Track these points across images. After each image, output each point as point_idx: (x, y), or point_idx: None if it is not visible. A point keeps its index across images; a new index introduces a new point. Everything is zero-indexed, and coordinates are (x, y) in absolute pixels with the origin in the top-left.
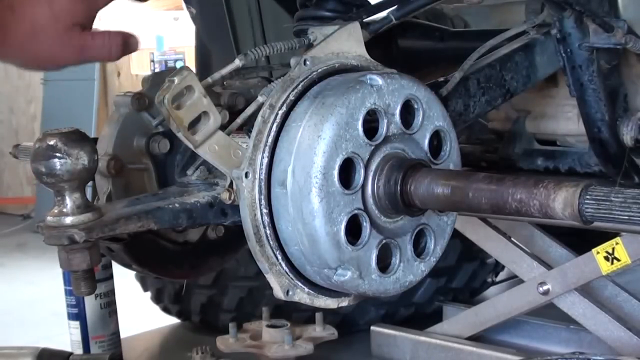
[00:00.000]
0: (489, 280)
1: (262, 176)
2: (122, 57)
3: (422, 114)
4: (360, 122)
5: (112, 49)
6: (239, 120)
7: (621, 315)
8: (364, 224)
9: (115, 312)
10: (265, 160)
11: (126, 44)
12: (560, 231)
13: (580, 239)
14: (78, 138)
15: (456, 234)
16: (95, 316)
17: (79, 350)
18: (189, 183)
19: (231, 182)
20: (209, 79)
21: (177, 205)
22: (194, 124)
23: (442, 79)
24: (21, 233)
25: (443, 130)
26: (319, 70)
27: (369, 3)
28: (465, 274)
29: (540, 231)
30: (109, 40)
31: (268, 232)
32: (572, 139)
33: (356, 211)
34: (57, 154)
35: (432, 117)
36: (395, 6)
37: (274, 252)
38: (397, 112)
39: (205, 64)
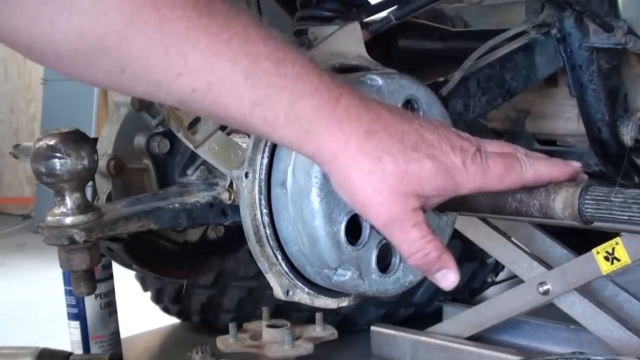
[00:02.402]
0: (489, 280)
1: (262, 176)
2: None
3: (422, 114)
4: None
5: (428, 260)
6: None
7: (621, 315)
8: (364, 223)
9: (115, 312)
10: (265, 160)
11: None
12: (560, 231)
13: (580, 239)
14: (78, 138)
15: (456, 234)
16: (95, 316)
17: (79, 350)
18: (189, 183)
19: (231, 182)
20: None
21: (177, 205)
22: (194, 124)
23: (442, 79)
24: (21, 233)
25: None
26: None
27: (369, 3)
28: (465, 274)
29: (540, 231)
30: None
31: (268, 232)
32: (572, 139)
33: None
34: (57, 154)
35: (432, 117)
36: (395, 6)
37: (274, 252)
38: None
39: None
